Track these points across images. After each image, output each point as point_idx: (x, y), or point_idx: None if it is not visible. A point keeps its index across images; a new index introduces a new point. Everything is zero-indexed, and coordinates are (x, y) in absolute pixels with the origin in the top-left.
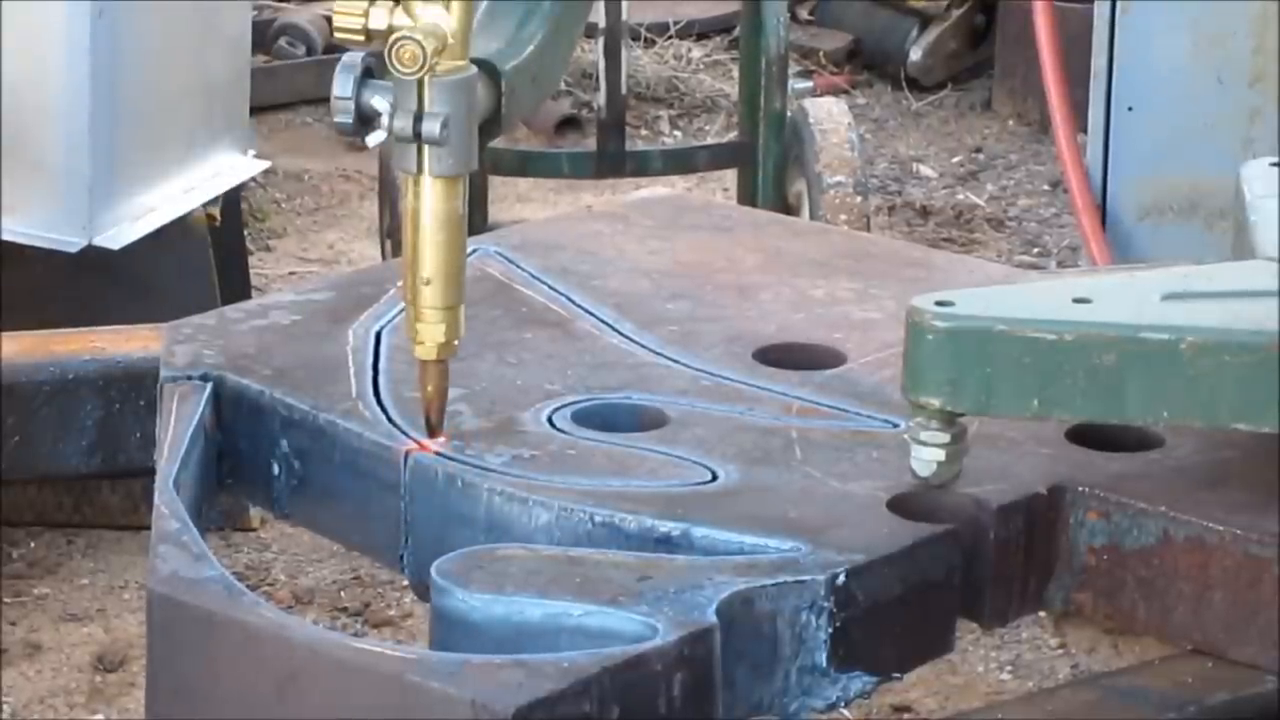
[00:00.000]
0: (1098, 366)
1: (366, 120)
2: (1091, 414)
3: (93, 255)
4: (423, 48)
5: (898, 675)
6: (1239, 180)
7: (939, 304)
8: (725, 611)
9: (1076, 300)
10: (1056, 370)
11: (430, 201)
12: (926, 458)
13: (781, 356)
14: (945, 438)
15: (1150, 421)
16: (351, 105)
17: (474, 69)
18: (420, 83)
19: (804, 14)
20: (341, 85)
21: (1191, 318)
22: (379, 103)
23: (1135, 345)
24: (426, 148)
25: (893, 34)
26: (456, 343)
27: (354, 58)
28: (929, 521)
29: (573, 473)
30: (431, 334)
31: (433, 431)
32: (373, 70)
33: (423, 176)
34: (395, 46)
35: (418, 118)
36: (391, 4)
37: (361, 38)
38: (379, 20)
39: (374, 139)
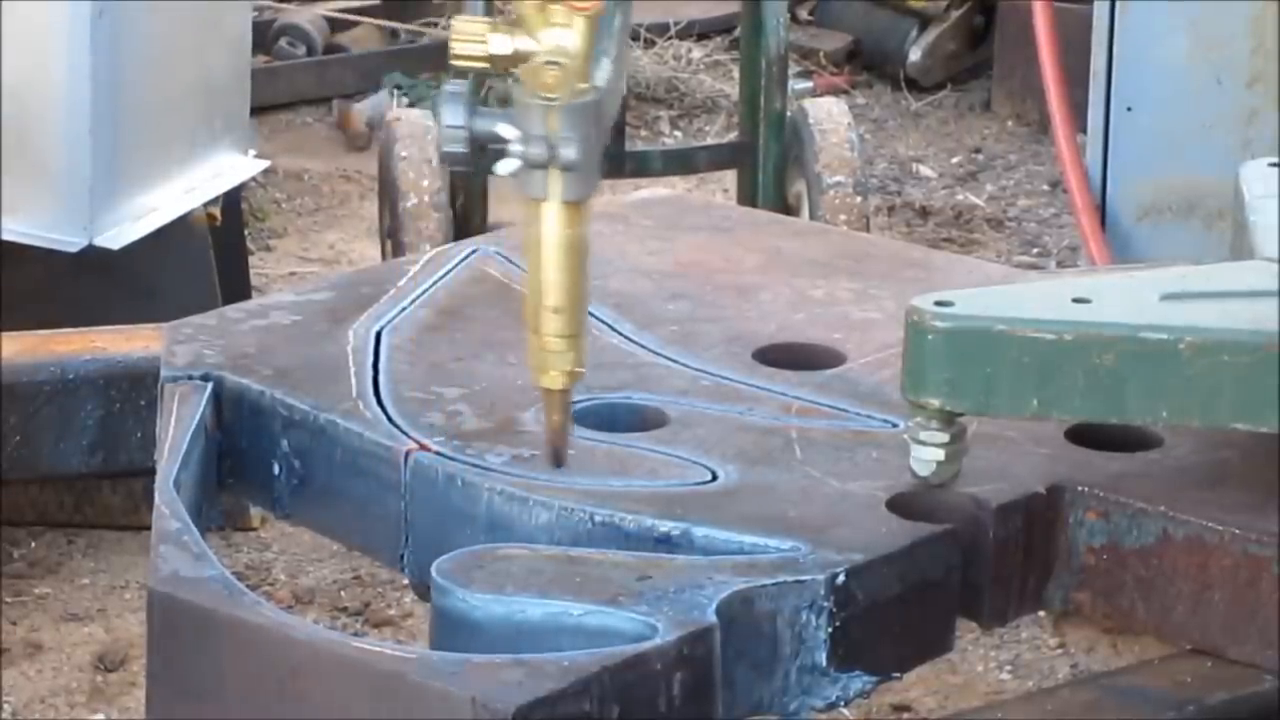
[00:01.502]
0: (1097, 366)
1: (480, 148)
2: (1091, 414)
3: (93, 255)
4: (566, 71)
5: (897, 675)
6: (1238, 180)
7: (938, 304)
8: (725, 611)
9: (1076, 300)
10: (1056, 370)
11: (559, 227)
12: (926, 457)
13: (781, 356)
14: (944, 437)
15: (1149, 421)
16: (464, 134)
17: (597, 91)
18: (551, 107)
19: (804, 14)
20: (452, 114)
21: (1190, 318)
22: (504, 129)
23: (1134, 345)
24: (558, 173)
25: (892, 35)
26: (582, 370)
27: (458, 85)
28: (928, 521)
29: (573, 473)
30: (559, 363)
31: (560, 461)
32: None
33: (551, 203)
34: (536, 71)
35: (551, 143)
36: (510, 28)
37: (483, 64)
38: (501, 46)
39: (505, 167)
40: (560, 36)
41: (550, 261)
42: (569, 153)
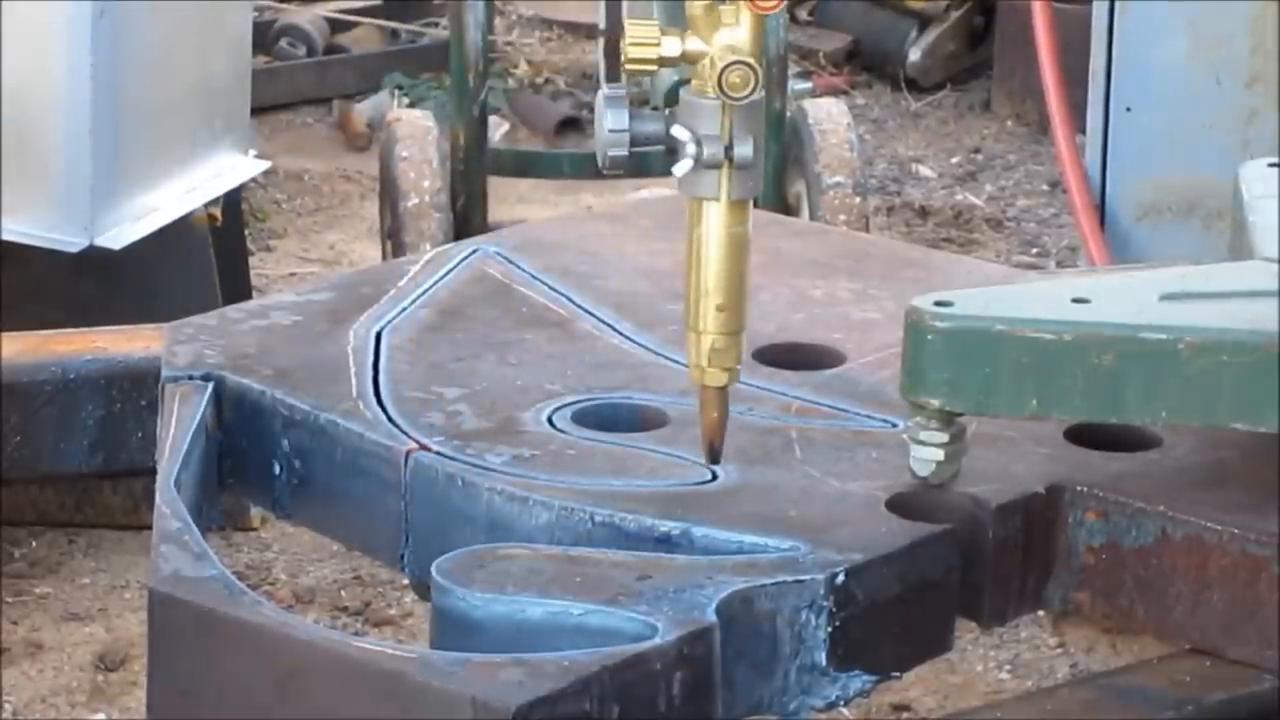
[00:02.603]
0: (1096, 366)
1: (638, 151)
2: (1090, 414)
3: (94, 255)
4: (754, 71)
5: (896, 674)
6: (1237, 180)
7: (938, 304)
8: (725, 611)
9: (1075, 300)
10: (1055, 370)
11: (726, 226)
12: (925, 457)
13: (781, 356)
14: (944, 437)
15: (1149, 421)
16: (627, 137)
17: (762, 89)
18: (724, 107)
19: (804, 14)
20: (616, 118)
21: (1190, 318)
22: (679, 131)
23: (1134, 345)
24: (728, 171)
25: (892, 35)
26: (740, 367)
27: (617, 90)
28: (928, 521)
29: (573, 473)
30: (723, 360)
31: (716, 458)
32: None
33: (719, 202)
34: (726, 71)
35: (728, 143)
36: (679, 31)
37: (655, 66)
38: (672, 48)
39: (681, 168)
40: (729, 36)
41: (716, 260)
42: (744, 151)
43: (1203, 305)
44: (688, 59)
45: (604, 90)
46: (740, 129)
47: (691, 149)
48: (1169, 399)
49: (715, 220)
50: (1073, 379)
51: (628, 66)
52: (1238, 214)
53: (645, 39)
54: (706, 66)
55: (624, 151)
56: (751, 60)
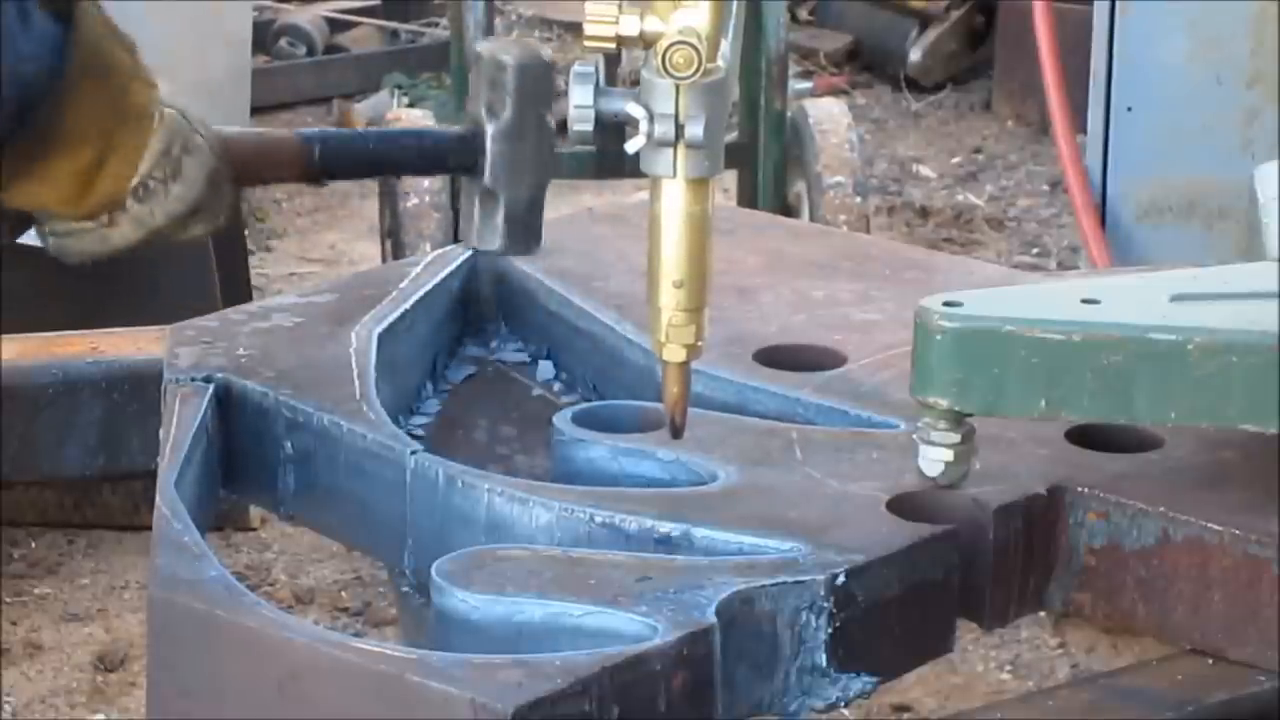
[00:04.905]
0: (1105, 367)
1: (605, 127)
2: (1099, 414)
3: None
4: (698, 51)
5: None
6: (1252, 183)
7: (947, 304)
8: (725, 611)
9: (1085, 301)
10: (1064, 371)
11: (684, 204)
12: (934, 458)
13: (782, 358)
14: (954, 438)
15: (1158, 422)
16: (592, 113)
17: (723, 70)
18: (678, 87)
19: (804, 14)
20: (581, 94)
21: (1199, 319)
22: (632, 108)
23: (1143, 346)
24: (683, 150)
25: (892, 35)
26: (701, 344)
27: (587, 67)
28: (928, 522)
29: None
30: (681, 336)
31: (678, 433)
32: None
33: (676, 180)
34: (669, 51)
35: (679, 121)
36: (640, 9)
37: (612, 45)
38: (630, 27)
39: (634, 145)
40: (688, 17)
41: (673, 237)
42: (696, 131)
43: (1213, 306)
44: (645, 39)
45: (575, 67)
46: (694, 109)
47: (644, 126)
48: (1178, 400)
49: (672, 198)
50: (1082, 380)
51: (585, 43)
52: (1252, 216)
53: (603, 16)
54: (659, 46)
55: (589, 127)
56: (696, 40)
